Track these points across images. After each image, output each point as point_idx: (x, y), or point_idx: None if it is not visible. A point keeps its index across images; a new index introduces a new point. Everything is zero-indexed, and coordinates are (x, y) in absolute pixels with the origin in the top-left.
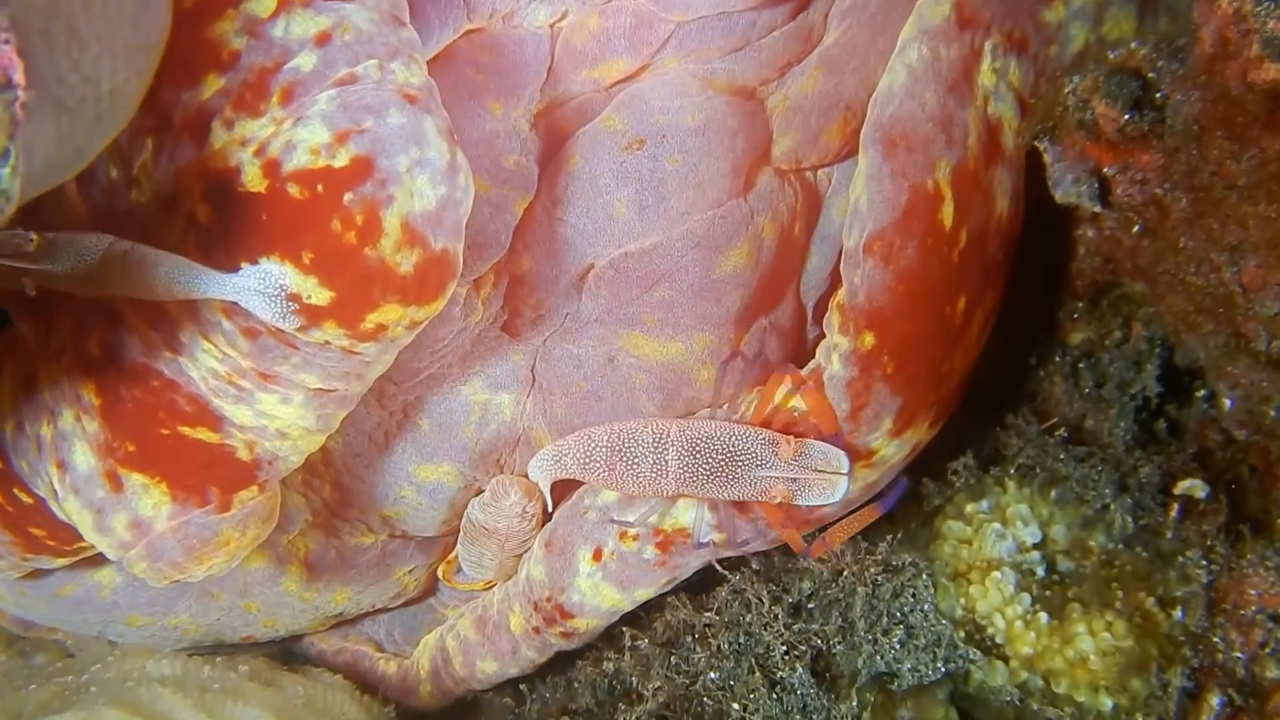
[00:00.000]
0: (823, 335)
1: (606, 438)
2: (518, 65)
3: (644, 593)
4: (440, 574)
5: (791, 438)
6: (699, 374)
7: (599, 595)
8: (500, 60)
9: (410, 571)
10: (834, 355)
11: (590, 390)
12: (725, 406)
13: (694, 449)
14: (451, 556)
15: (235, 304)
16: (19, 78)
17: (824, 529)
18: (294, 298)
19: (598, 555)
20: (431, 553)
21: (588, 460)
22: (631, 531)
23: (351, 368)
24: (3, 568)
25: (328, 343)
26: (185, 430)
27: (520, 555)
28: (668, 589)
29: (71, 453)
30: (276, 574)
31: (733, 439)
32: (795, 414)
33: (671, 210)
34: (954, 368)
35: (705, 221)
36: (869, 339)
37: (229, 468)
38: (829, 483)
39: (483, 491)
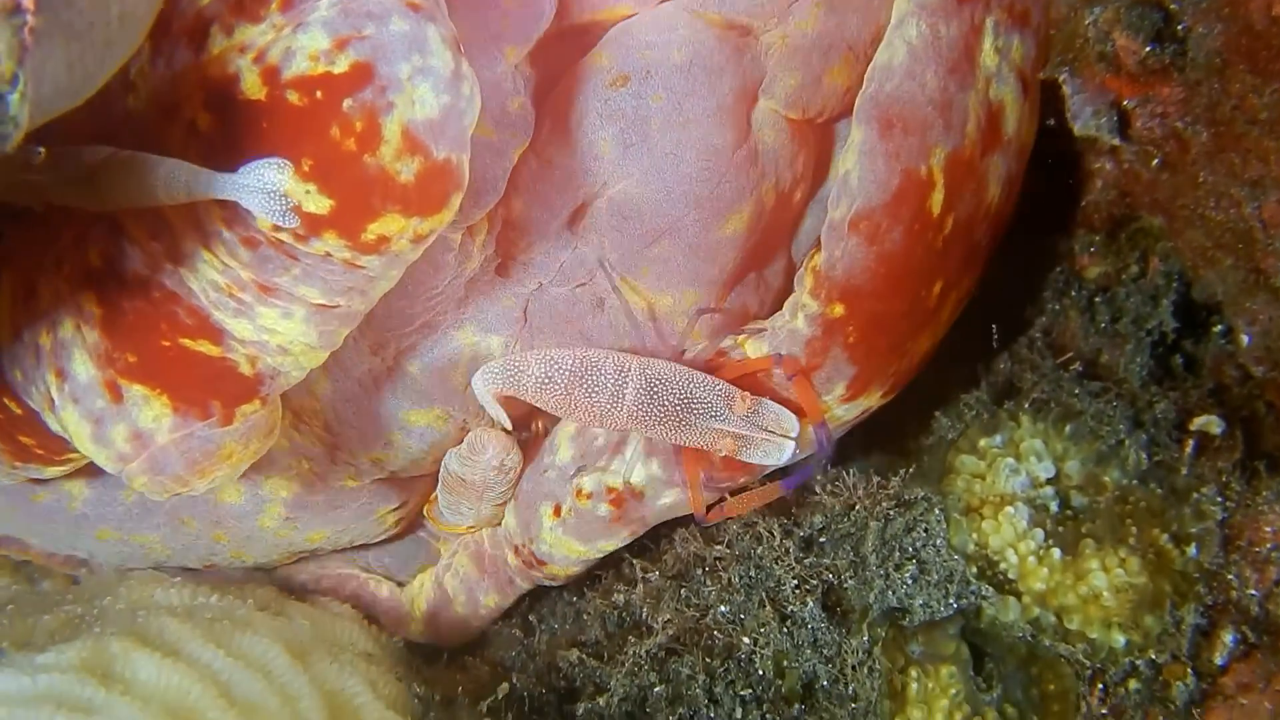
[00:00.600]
0: None
1: (570, 362)
2: (534, 10)
3: (608, 544)
4: (426, 514)
5: (748, 394)
6: (681, 325)
7: (564, 547)
8: (520, 4)
9: (393, 511)
10: (800, 313)
11: (579, 332)
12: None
13: (652, 388)
14: (434, 497)
15: (236, 213)
16: (28, 2)
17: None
18: (294, 208)
19: (557, 511)
20: (415, 492)
21: (547, 381)
22: (585, 490)
23: (354, 282)
24: None
25: (329, 254)
26: (187, 343)
27: (502, 504)
28: (633, 539)
29: (71, 361)
30: (254, 511)
31: (690, 385)
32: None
33: (656, 150)
34: (919, 346)
35: (710, 184)
36: (839, 309)
37: (231, 381)
38: (775, 445)
39: (463, 425)
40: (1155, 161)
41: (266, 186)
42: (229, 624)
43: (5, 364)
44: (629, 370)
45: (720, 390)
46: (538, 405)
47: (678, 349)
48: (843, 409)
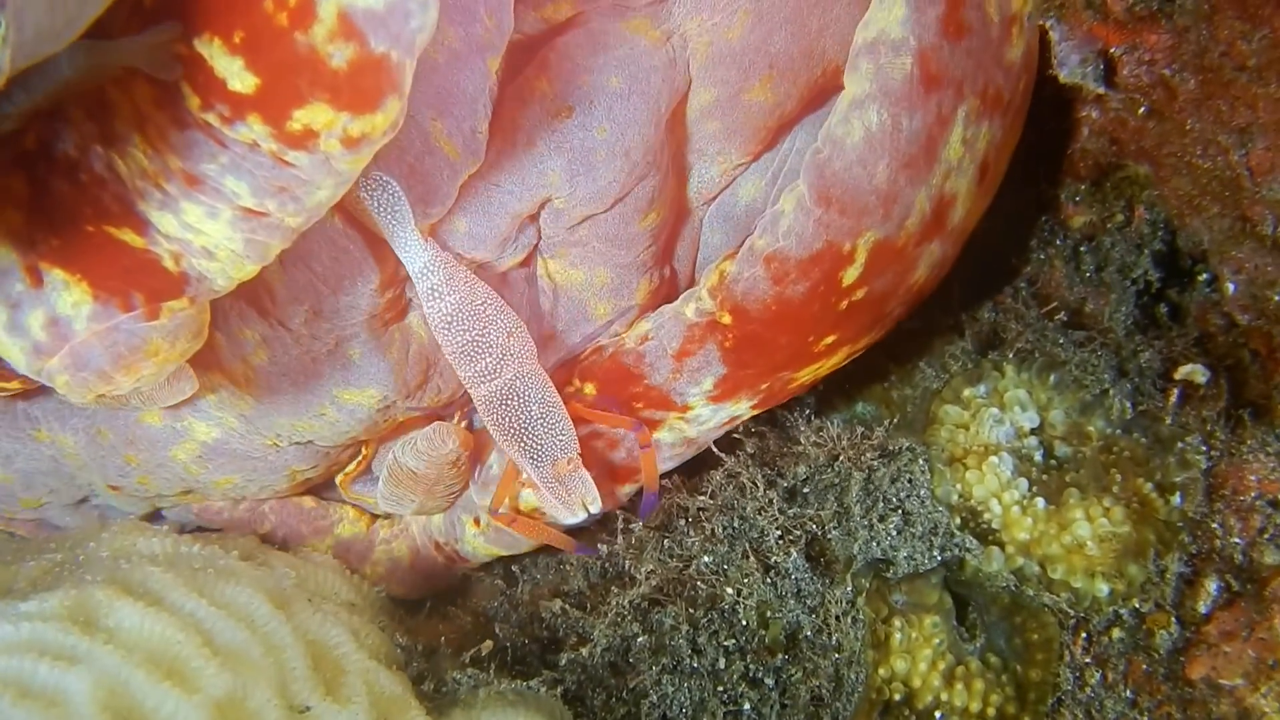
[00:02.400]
0: None
1: (481, 315)
2: (503, 21)
3: (528, 546)
4: (339, 483)
5: (577, 460)
6: (595, 308)
7: (486, 551)
8: (493, 12)
9: (304, 471)
10: (693, 303)
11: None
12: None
13: (509, 395)
14: (351, 469)
15: (166, 93)
16: None
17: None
18: (219, 83)
19: (477, 523)
20: (332, 460)
21: (459, 313)
22: (501, 512)
23: (284, 182)
24: None
25: (256, 144)
26: (111, 230)
27: (450, 496)
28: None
29: None
30: (171, 440)
31: (538, 421)
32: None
33: (600, 179)
34: (796, 378)
35: (631, 189)
36: (726, 318)
37: (154, 275)
38: (565, 510)
39: (393, 405)
40: (1142, 109)
41: (158, 40)
42: (212, 574)
43: None
44: (505, 367)
45: (559, 440)
46: (429, 319)
47: (580, 323)
48: (708, 410)
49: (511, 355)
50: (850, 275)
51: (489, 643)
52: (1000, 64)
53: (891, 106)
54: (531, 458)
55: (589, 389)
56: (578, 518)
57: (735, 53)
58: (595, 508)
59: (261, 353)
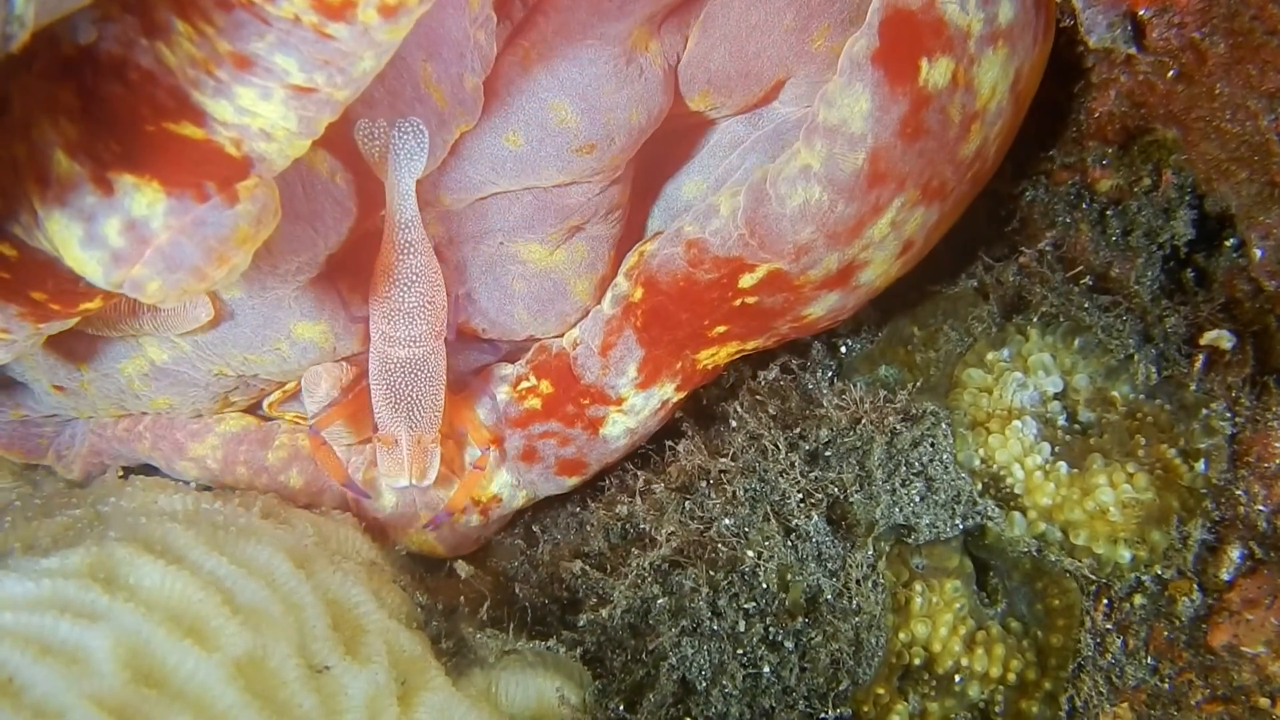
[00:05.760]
0: None
1: (433, 278)
2: None
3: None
4: (266, 406)
5: (438, 436)
6: (575, 285)
7: (435, 549)
8: None
9: (235, 399)
10: (611, 292)
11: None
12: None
13: (416, 367)
14: (291, 387)
15: None
16: None
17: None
18: None
19: (434, 524)
20: (264, 392)
21: (424, 269)
22: (459, 505)
23: (328, 56)
24: (24, 339)
25: (298, 18)
26: (170, 126)
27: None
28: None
29: (51, 162)
30: (122, 355)
31: (432, 401)
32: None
33: (593, 187)
34: (698, 359)
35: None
36: (639, 293)
37: (221, 163)
38: (407, 472)
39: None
40: (1171, 73)
41: None
42: (233, 531)
43: None
44: (428, 339)
45: (435, 418)
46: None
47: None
48: (640, 397)
49: (436, 332)
50: (746, 281)
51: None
52: (951, 160)
53: (833, 193)
54: (409, 425)
55: (545, 385)
56: (408, 484)
57: (684, 65)
58: (427, 481)
59: (237, 290)
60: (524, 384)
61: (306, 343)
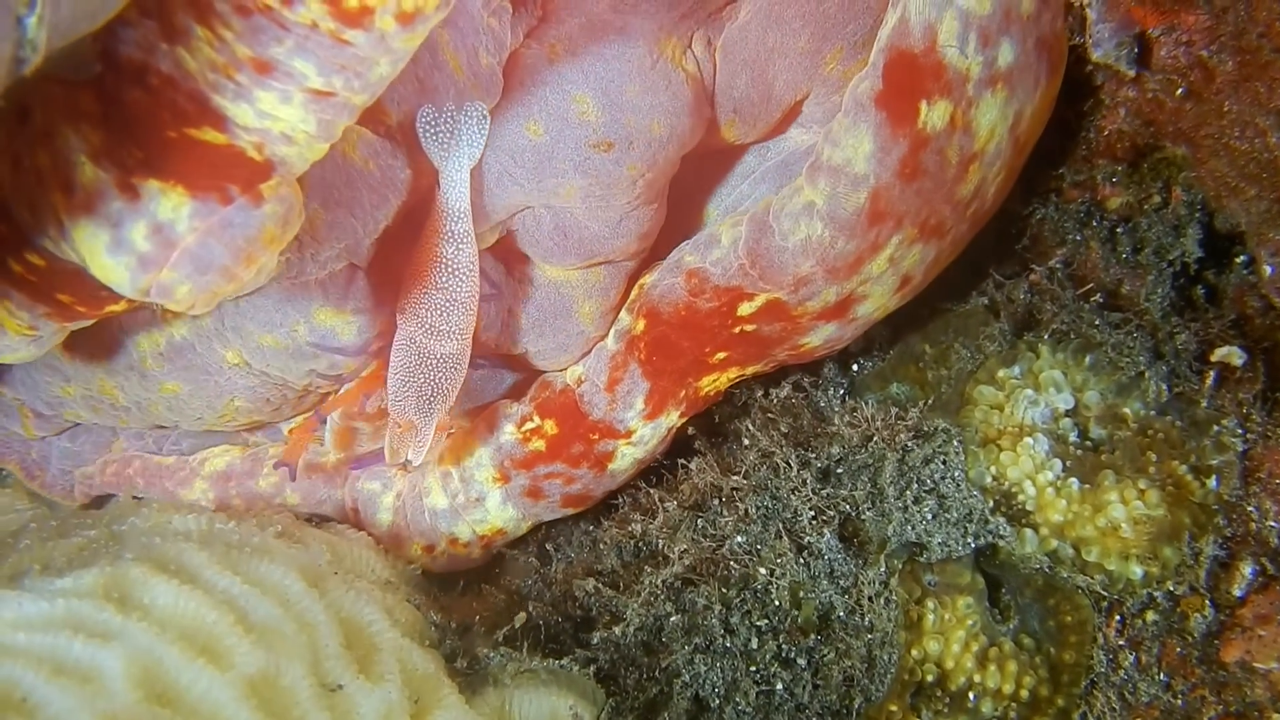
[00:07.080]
0: None
1: (476, 273)
2: None
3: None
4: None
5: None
6: (582, 306)
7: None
8: None
9: (240, 410)
10: (614, 329)
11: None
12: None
13: (455, 361)
14: (309, 417)
15: None
16: None
17: None
18: None
19: (429, 550)
20: (275, 409)
21: (459, 252)
22: (461, 539)
23: (345, 61)
24: (47, 336)
25: (315, 24)
26: (192, 132)
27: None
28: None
29: (75, 170)
30: (144, 326)
31: (447, 396)
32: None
33: (612, 207)
34: (700, 385)
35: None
36: (641, 325)
37: (243, 166)
38: (407, 452)
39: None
40: (1180, 90)
41: None
42: (246, 551)
43: (13, 207)
44: (468, 330)
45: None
46: (445, 261)
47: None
48: (648, 428)
49: (468, 329)
50: (745, 309)
51: (523, 615)
52: (949, 200)
53: (835, 229)
54: (423, 414)
55: (549, 426)
56: (403, 461)
57: (719, 94)
58: (418, 460)
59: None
60: (528, 425)
61: (325, 330)
